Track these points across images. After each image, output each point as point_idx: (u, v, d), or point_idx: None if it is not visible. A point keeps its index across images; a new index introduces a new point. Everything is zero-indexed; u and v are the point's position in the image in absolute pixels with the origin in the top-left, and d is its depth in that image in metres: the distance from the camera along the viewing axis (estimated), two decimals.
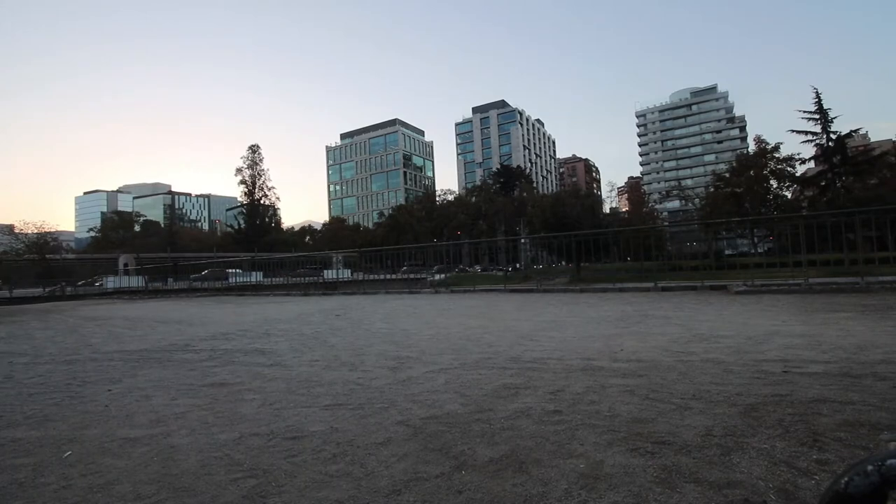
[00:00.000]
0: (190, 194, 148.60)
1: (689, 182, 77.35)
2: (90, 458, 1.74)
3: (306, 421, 2.05)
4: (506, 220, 53.65)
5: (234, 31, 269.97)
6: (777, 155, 41.90)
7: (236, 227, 67.23)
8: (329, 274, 19.50)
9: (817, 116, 38.02)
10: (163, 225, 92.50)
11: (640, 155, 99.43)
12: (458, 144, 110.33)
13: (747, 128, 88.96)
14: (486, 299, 8.59)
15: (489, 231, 55.74)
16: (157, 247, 57.10)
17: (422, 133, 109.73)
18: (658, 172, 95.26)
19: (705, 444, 1.58)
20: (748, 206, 41.02)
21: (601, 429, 1.76)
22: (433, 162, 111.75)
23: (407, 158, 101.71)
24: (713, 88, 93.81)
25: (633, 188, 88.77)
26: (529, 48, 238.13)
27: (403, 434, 1.82)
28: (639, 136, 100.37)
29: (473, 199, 65.86)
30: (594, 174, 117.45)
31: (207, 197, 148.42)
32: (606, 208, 63.57)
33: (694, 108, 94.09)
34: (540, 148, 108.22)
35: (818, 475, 1.32)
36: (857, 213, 8.66)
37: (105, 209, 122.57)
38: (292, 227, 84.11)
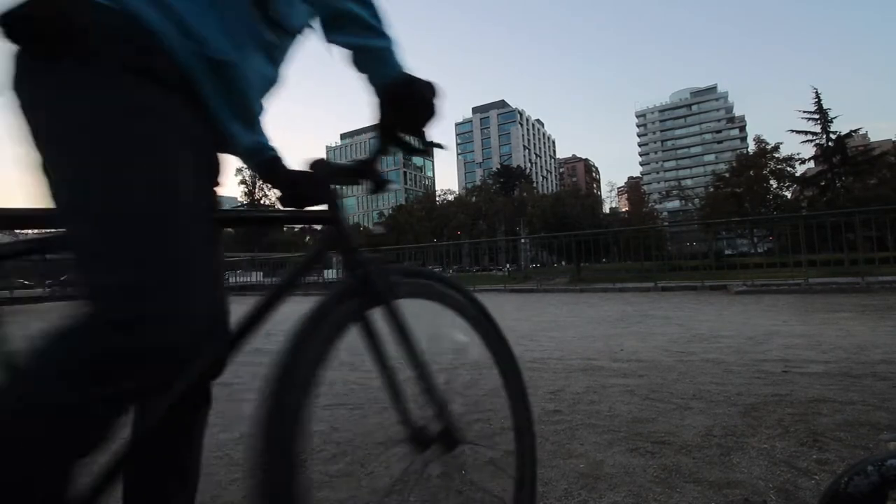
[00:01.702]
0: None
1: (689, 182, 77.40)
2: None
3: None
4: (506, 220, 53.68)
5: None
6: (777, 155, 41.94)
7: None
8: (329, 274, 19.47)
9: (817, 116, 38.05)
10: None
11: (640, 155, 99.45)
12: (458, 144, 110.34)
13: (747, 128, 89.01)
14: (485, 299, 8.59)
15: (489, 231, 55.77)
16: None
17: None
18: (658, 172, 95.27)
19: (705, 444, 1.58)
20: (748, 206, 41.04)
21: (601, 429, 1.77)
22: (433, 162, 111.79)
23: (407, 158, 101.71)
24: (713, 88, 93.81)
25: (633, 188, 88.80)
26: (529, 48, 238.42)
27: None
28: (639, 136, 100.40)
29: (473, 199, 65.88)
30: (594, 174, 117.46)
31: None
32: (606, 208, 63.72)
33: (694, 108, 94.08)
34: (540, 148, 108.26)
35: (818, 475, 1.32)
36: (857, 213, 8.66)
37: None
38: (292, 227, 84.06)
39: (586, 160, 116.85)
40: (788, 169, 41.68)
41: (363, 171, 0.88)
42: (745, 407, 1.94)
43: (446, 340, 1.05)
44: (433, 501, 1.30)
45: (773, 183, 42.77)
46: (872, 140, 51.77)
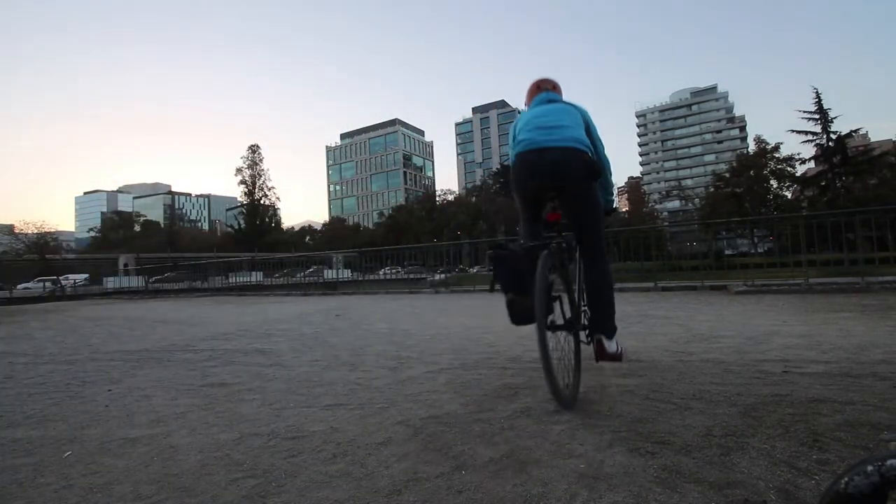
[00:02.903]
0: (190, 194, 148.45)
1: (689, 182, 77.32)
2: (90, 458, 1.74)
3: (306, 421, 2.05)
4: (506, 221, 53.62)
5: (234, 31, 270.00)
6: (777, 155, 41.95)
7: (236, 227, 67.25)
8: (329, 274, 19.49)
9: (817, 116, 38.03)
10: (163, 225, 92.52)
11: (640, 155, 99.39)
12: (458, 144, 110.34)
13: (747, 128, 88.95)
14: (486, 300, 8.59)
15: (489, 231, 55.74)
16: (158, 247, 57.13)
17: (422, 133, 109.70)
18: (658, 172, 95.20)
19: (705, 444, 1.58)
20: (748, 206, 41.05)
21: (601, 429, 1.76)
22: (433, 162, 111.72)
23: (407, 158, 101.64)
24: (713, 88, 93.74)
25: (633, 188, 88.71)
26: (530, 48, 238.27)
27: (403, 434, 1.82)
28: (639, 136, 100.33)
29: (473, 199, 65.86)
30: None
31: (207, 197, 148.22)
32: None
33: (694, 108, 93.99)
34: None
35: (818, 475, 1.32)
36: (857, 213, 8.66)
37: (105, 209, 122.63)
38: (292, 227, 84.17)
39: None
40: (788, 169, 41.70)
41: None
42: (745, 407, 1.93)
43: None
44: (433, 501, 1.30)
45: (774, 183, 42.79)
46: (872, 140, 51.66)
